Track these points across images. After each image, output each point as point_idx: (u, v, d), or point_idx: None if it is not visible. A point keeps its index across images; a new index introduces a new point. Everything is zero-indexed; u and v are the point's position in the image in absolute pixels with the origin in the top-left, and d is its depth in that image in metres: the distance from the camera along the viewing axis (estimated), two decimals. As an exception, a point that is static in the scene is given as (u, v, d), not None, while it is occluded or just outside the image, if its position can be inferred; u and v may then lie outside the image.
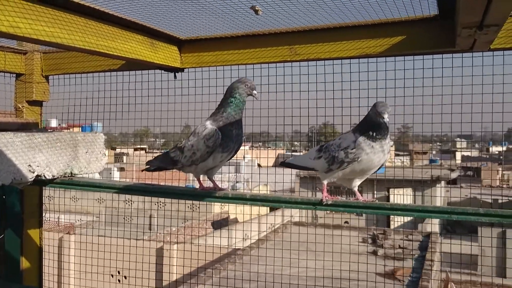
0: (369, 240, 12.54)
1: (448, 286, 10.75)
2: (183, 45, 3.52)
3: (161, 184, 3.35)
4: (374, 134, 2.43)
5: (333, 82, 3.42)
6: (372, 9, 2.80)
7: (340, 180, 2.69)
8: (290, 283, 6.27)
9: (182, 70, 3.60)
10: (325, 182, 2.63)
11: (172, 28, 3.35)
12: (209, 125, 2.62)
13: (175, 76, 3.64)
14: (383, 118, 2.36)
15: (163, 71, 3.68)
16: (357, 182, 2.67)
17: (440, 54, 3.12)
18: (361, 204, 2.55)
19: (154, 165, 2.96)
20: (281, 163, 2.95)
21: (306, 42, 3.19)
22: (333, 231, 10.79)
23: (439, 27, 2.89)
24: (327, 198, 2.56)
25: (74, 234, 11.16)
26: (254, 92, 2.59)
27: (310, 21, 3.07)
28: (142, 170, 3.05)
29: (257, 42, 3.29)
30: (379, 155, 2.48)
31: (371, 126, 2.43)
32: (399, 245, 12.00)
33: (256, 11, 2.66)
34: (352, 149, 2.47)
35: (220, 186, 2.85)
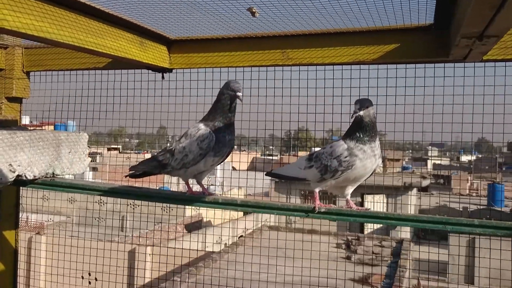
0: (343, 246, 12.59)
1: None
2: (172, 45, 3.44)
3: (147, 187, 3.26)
4: (361, 134, 2.41)
5: (325, 88, 3.40)
6: (370, 15, 2.79)
7: (331, 188, 2.65)
8: (264, 287, 6.23)
9: (170, 70, 3.51)
10: (317, 190, 2.60)
11: (162, 27, 3.27)
12: (203, 127, 2.57)
13: (163, 77, 3.55)
14: (354, 112, 2.37)
15: (150, 71, 3.58)
16: (349, 190, 2.64)
17: (432, 63, 3.13)
18: (355, 212, 2.51)
19: (140, 170, 2.87)
20: (267, 173, 2.88)
21: (299, 46, 3.14)
22: (308, 236, 10.82)
23: (434, 36, 2.88)
24: (319, 206, 2.53)
25: (44, 234, 10.86)
26: (238, 93, 2.54)
27: (305, 25, 3.03)
28: (126, 176, 2.94)
29: (249, 45, 3.23)
30: (371, 160, 2.46)
31: (355, 126, 2.43)
32: (373, 251, 12.08)
33: (253, 13, 2.61)
34: (345, 157, 2.44)
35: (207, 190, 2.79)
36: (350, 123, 2.50)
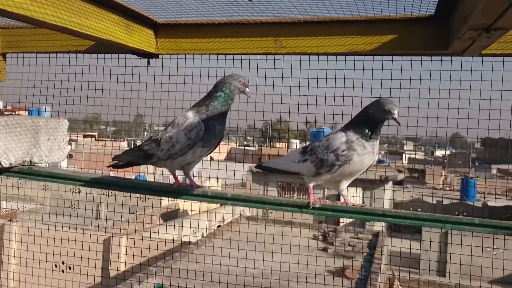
0: (320, 237, 12.59)
1: (394, 284, 10.98)
2: (159, 29, 3.27)
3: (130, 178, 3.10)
4: (370, 133, 2.30)
5: (318, 78, 3.30)
6: (371, 4, 2.68)
7: (326, 183, 2.55)
8: (240, 278, 6.18)
9: (156, 56, 3.35)
10: (311, 185, 2.49)
11: (149, 10, 3.11)
12: (191, 116, 2.43)
13: (148, 62, 3.39)
14: (393, 114, 2.23)
15: (134, 56, 3.42)
16: (344, 185, 2.54)
17: (429, 56, 3.05)
18: (351, 208, 2.41)
19: (123, 160, 2.72)
20: (257, 166, 2.76)
21: (293, 34, 3.02)
22: (285, 227, 10.79)
23: (433, 28, 2.80)
24: (314, 201, 2.42)
25: (17, 222, 10.57)
26: (247, 89, 2.41)
27: (302, 11, 2.91)
28: (109, 166, 2.79)
29: (241, 31, 3.09)
30: (369, 156, 2.36)
31: (370, 124, 2.29)
32: (349, 243, 12.11)
33: (249, -3, 2.48)
34: (343, 151, 2.33)
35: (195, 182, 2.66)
36: (360, 115, 2.37)
